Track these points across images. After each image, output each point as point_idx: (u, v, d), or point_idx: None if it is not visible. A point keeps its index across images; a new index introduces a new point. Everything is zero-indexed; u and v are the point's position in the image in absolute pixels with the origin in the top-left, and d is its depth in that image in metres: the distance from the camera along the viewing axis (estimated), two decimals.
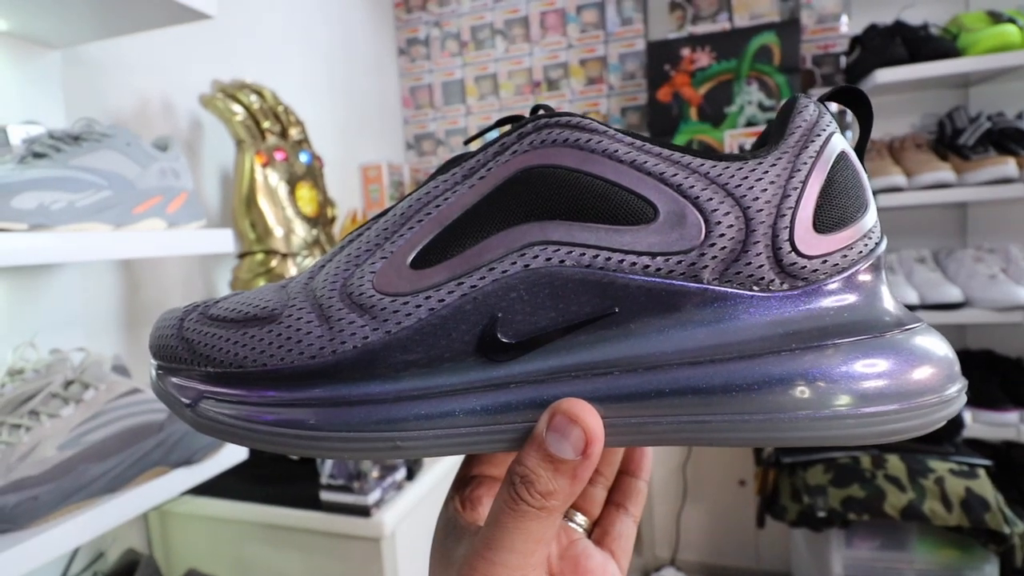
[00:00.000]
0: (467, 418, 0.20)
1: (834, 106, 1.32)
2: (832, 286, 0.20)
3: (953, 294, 1.27)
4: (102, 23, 0.74)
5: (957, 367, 0.20)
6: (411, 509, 0.82)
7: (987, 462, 1.08)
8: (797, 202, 0.20)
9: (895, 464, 1.07)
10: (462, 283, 0.21)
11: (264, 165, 0.97)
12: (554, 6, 1.68)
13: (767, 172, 0.20)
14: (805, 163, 0.20)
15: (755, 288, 0.20)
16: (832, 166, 0.21)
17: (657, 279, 0.20)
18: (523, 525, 0.19)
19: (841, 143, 0.21)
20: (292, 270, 0.98)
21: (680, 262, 0.20)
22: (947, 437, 1.12)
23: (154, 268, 0.95)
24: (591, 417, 0.19)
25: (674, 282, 0.20)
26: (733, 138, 1.37)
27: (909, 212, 1.49)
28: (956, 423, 1.10)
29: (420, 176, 1.83)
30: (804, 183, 0.20)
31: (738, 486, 1.48)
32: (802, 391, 0.19)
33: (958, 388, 0.20)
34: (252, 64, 1.17)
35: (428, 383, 0.21)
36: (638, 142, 0.21)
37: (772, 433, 0.19)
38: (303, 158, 1.04)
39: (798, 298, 0.20)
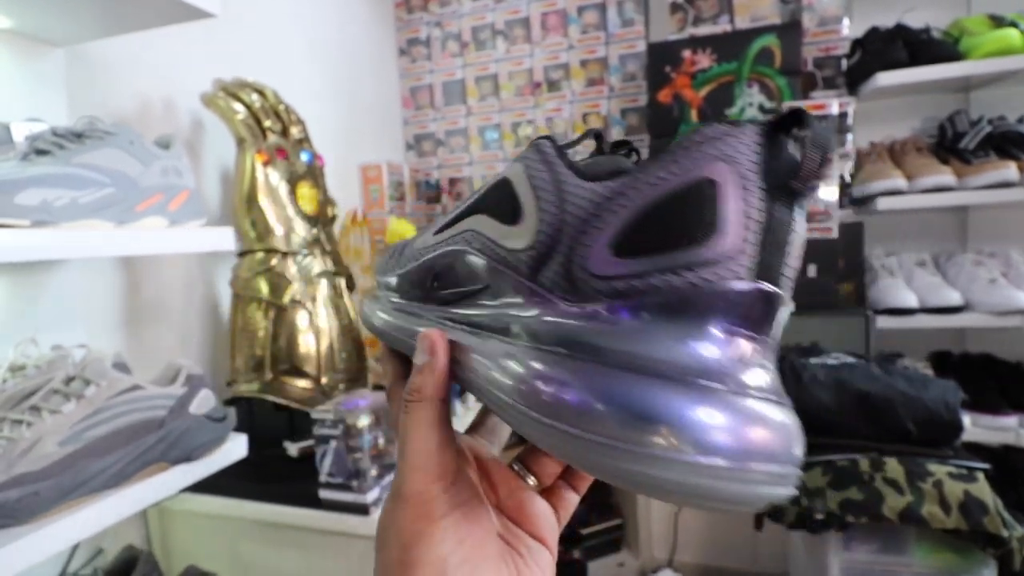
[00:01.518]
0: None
1: (836, 109, 1.32)
2: (612, 309, 0.23)
3: (953, 298, 1.27)
4: (105, 21, 0.74)
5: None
6: None
7: (986, 466, 1.07)
8: (607, 221, 0.24)
9: (893, 467, 1.07)
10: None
11: (265, 164, 0.97)
12: (555, 7, 1.69)
13: (593, 188, 0.24)
14: (638, 187, 0.24)
15: (555, 293, 0.23)
16: (676, 191, 0.24)
17: (504, 268, 0.25)
18: (411, 416, 0.25)
19: (715, 171, 0.22)
20: (292, 269, 0.98)
21: (519, 257, 0.25)
22: (946, 440, 1.12)
23: (154, 266, 0.95)
24: (434, 334, 0.26)
25: (514, 273, 0.25)
26: None
27: (909, 215, 1.49)
28: (955, 426, 1.10)
29: (420, 176, 1.83)
30: (625, 205, 0.24)
31: None
32: None
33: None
34: (253, 63, 1.17)
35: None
36: (563, 167, 0.24)
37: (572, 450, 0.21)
38: (304, 157, 1.04)
39: (578, 313, 0.23)
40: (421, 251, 0.31)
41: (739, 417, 0.17)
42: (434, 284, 0.29)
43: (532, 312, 0.22)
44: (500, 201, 0.26)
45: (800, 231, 0.20)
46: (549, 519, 0.28)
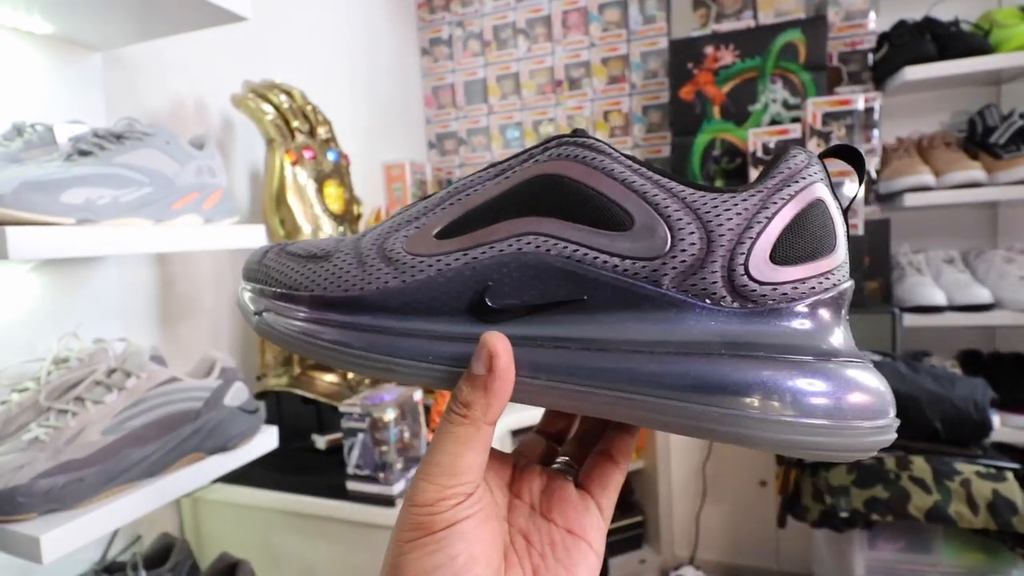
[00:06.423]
0: (446, 359, 0.25)
1: (862, 104, 1.30)
2: (778, 311, 0.23)
3: (982, 295, 1.24)
4: (141, 26, 0.76)
5: (890, 399, 0.23)
6: None
7: (1015, 465, 1.05)
8: (759, 234, 0.23)
9: (920, 466, 1.05)
10: (467, 253, 0.26)
11: (293, 163, 0.99)
12: (576, 5, 1.69)
13: (737, 204, 0.23)
14: (775, 202, 0.23)
15: (707, 300, 0.23)
16: (805, 208, 0.23)
17: (624, 278, 0.24)
18: (451, 429, 0.24)
19: (821, 191, 0.24)
20: None
21: (645, 267, 0.23)
22: (974, 440, 1.10)
23: (188, 262, 0.98)
24: (498, 341, 0.23)
25: (637, 283, 0.24)
26: (757, 136, 1.36)
27: (937, 212, 1.47)
28: (984, 426, 1.08)
29: (442, 175, 1.85)
30: (770, 219, 0.23)
31: (758, 487, 1.47)
32: (722, 388, 0.22)
33: (887, 421, 0.22)
34: (281, 65, 1.20)
35: (426, 327, 0.26)
36: (635, 165, 0.25)
37: (692, 422, 0.22)
38: (331, 156, 1.06)
39: (744, 316, 0.23)
40: (429, 258, 0.26)
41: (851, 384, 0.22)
42: (483, 298, 0.25)
43: (688, 322, 0.23)
44: (581, 204, 0.24)
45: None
46: (588, 515, 0.27)
